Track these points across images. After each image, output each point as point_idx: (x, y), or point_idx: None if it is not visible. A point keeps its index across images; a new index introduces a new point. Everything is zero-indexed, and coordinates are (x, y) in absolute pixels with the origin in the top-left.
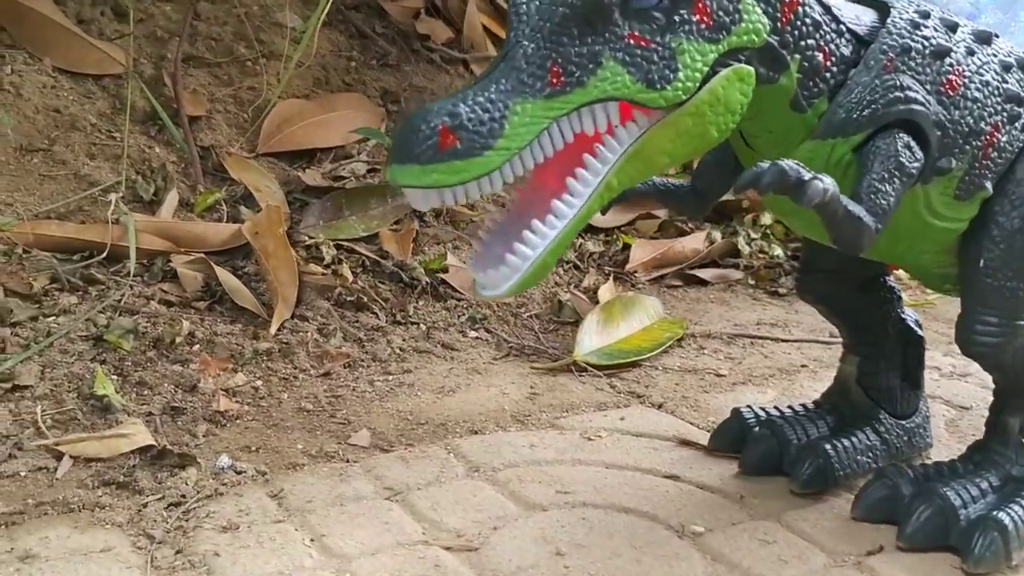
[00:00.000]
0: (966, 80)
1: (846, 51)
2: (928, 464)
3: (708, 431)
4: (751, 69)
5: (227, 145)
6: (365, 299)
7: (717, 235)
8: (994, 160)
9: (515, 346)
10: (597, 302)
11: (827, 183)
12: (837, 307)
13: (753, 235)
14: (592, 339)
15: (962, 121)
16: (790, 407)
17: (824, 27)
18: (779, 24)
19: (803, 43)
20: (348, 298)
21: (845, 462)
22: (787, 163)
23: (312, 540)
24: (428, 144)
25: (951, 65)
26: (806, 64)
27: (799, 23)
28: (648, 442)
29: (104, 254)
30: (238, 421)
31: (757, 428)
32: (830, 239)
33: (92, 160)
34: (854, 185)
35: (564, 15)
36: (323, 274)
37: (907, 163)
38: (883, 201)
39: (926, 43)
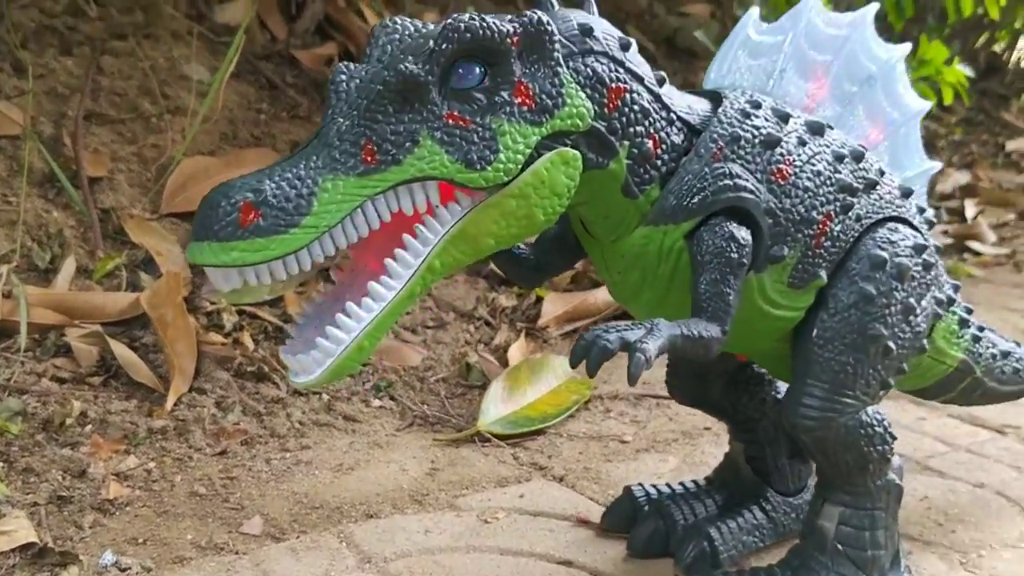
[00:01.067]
0: (797, 169)
1: (677, 139)
2: (745, 571)
3: (607, 506)
4: (576, 153)
5: (129, 207)
6: (266, 368)
7: None
8: (827, 249)
9: (419, 415)
10: (507, 363)
11: (649, 350)
12: (710, 404)
13: None
14: (497, 407)
15: (793, 210)
16: (682, 484)
17: (653, 115)
18: (606, 110)
19: (632, 130)
20: (248, 368)
21: (730, 544)
22: (607, 337)
23: None
24: (228, 220)
25: (782, 154)
26: (636, 151)
27: (627, 110)
28: (545, 522)
29: None
30: (128, 508)
31: (647, 507)
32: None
33: None
34: (691, 288)
35: (379, 92)
36: (223, 344)
37: (735, 256)
38: (722, 302)
39: (756, 132)
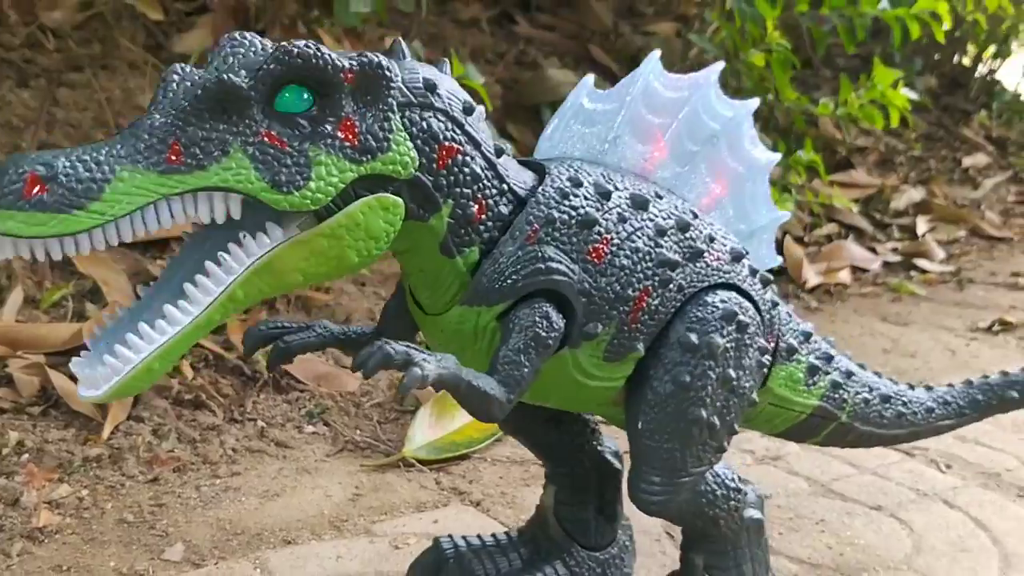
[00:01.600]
0: (615, 248)
1: (505, 210)
2: None
3: (414, 560)
4: (398, 200)
5: None
6: (204, 396)
7: None
8: (644, 323)
9: (351, 440)
10: None
11: (429, 370)
12: (532, 437)
13: None
14: (424, 433)
15: (609, 288)
16: (493, 535)
17: (484, 182)
18: (435, 166)
19: (458, 191)
20: (187, 396)
21: None
22: (395, 347)
23: None
24: (11, 188)
25: (599, 233)
26: (459, 211)
27: (457, 170)
28: None
29: None
30: (57, 536)
31: (451, 560)
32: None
33: None
34: (494, 351)
35: (199, 96)
36: None
37: (543, 334)
38: (517, 372)
39: (573, 213)
